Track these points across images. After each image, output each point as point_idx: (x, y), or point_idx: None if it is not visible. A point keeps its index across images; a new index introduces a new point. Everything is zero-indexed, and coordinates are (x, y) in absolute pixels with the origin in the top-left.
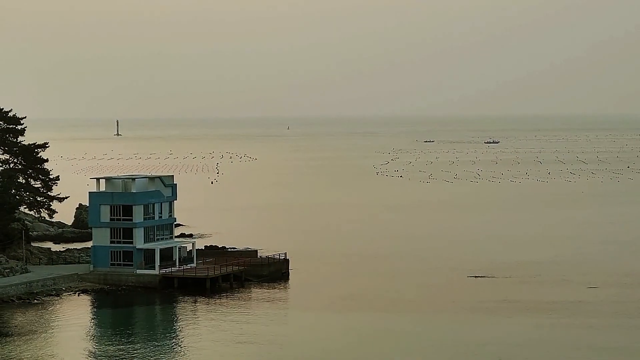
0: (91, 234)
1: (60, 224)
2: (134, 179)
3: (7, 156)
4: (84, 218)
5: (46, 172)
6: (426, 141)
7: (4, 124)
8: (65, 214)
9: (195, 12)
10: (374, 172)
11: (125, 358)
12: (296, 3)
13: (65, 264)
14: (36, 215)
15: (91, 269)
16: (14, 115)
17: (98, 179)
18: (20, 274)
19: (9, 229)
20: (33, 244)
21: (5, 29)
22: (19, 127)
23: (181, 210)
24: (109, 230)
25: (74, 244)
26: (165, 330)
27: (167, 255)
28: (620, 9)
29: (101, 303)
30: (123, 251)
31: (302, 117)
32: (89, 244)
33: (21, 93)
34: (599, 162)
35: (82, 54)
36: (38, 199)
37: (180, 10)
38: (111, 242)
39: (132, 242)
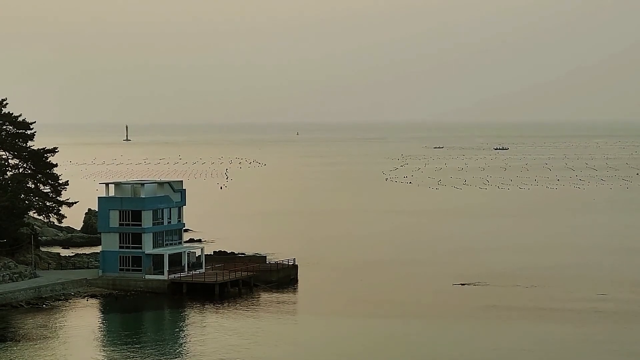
0: (100, 239)
1: (69, 229)
2: (143, 184)
3: (16, 161)
4: (93, 223)
5: (55, 177)
6: (435, 147)
7: (14, 128)
8: (74, 219)
9: (205, 23)
10: (383, 178)
11: None
12: (306, 12)
13: (74, 268)
14: (45, 220)
15: (100, 274)
16: (24, 120)
17: (107, 184)
18: (29, 278)
19: (18, 234)
20: (42, 249)
21: (23, 40)
22: (29, 131)
23: (190, 216)
24: (117, 235)
25: (83, 248)
26: (173, 335)
27: (175, 261)
28: (630, 19)
29: (110, 308)
30: (132, 256)
31: (311, 123)
32: (97, 249)
33: (36, 99)
34: (608, 168)
35: (95, 63)
36: (47, 203)
37: (189, 22)
38: (120, 247)
39: (140, 248)
